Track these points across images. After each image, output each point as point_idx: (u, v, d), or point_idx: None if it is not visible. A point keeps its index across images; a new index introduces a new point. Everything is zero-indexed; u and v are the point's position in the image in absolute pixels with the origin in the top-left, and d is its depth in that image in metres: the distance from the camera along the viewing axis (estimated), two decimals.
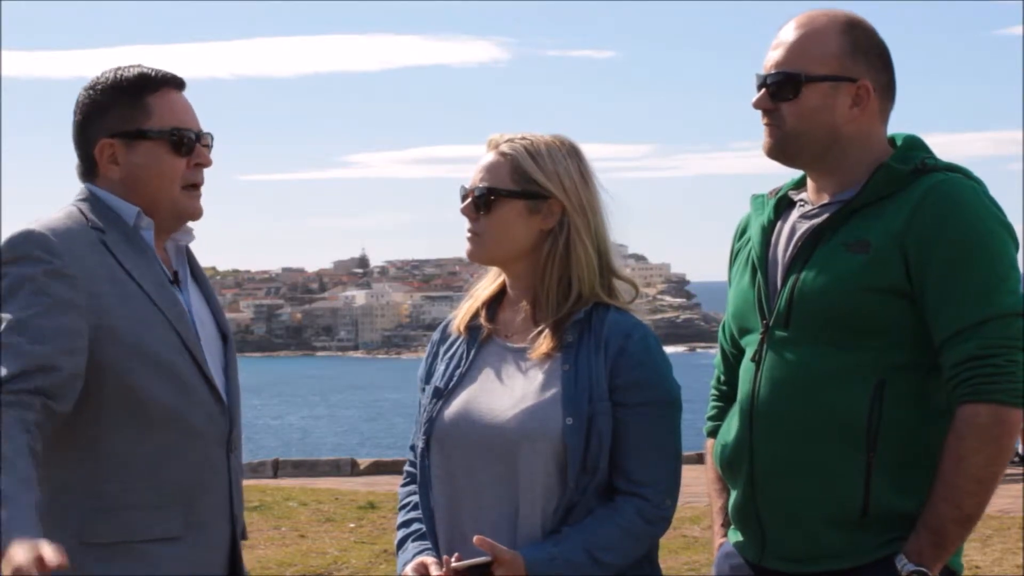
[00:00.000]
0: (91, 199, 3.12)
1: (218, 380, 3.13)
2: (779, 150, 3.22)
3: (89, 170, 3.16)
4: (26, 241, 2.97)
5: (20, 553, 2.51)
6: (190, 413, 3.05)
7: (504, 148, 3.25)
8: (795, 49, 3.19)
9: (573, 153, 3.27)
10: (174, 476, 3.02)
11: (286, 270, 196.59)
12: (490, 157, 3.27)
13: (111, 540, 2.96)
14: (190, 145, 3.14)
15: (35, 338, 2.86)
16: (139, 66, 3.16)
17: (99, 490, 2.97)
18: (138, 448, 2.98)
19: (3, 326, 2.87)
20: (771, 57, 3.22)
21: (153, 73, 3.14)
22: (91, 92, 3.14)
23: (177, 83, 3.17)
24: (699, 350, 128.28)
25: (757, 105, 3.22)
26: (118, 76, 3.13)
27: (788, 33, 3.22)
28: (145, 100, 3.12)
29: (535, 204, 3.22)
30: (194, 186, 3.17)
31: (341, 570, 9.30)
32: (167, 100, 3.14)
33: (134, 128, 3.11)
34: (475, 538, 3.05)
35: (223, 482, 3.13)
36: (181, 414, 3.03)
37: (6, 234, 3.02)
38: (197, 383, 3.07)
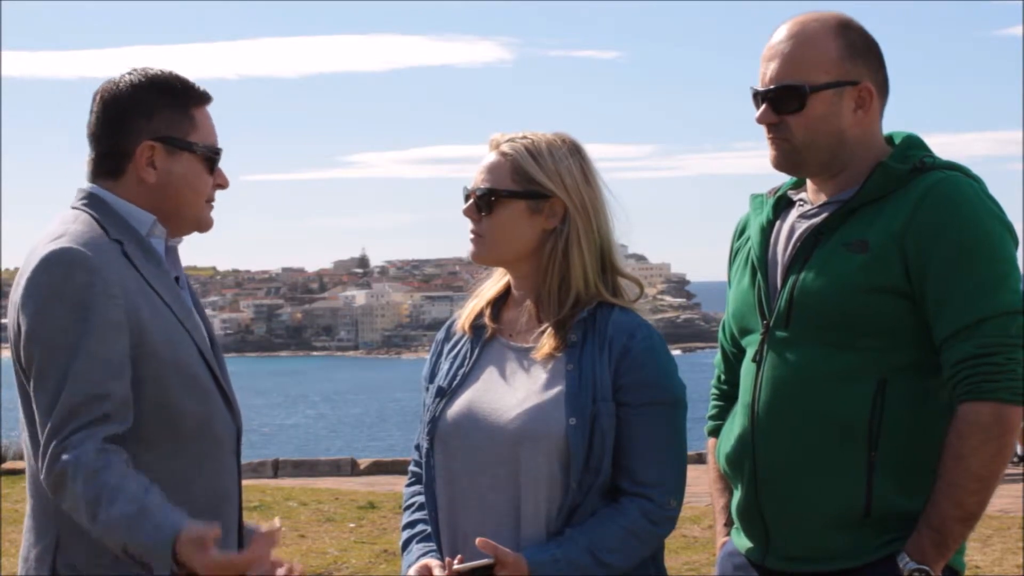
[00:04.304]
0: (98, 205, 3.04)
1: (225, 386, 3.12)
2: (789, 163, 3.19)
3: (116, 167, 3.06)
4: (66, 261, 2.89)
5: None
6: (213, 423, 3.05)
7: (505, 148, 3.22)
8: (793, 59, 3.14)
9: (575, 151, 3.23)
10: (205, 486, 3.02)
11: (286, 270, 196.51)
12: (491, 157, 3.24)
13: None
14: (216, 166, 3.12)
15: (88, 366, 2.82)
16: (175, 73, 3.09)
17: None
18: (173, 461, 2.97)
19: (56, 353, 2.84)
20: (768, 70, 3.17)
21: (197, 86, 3.10)
22: (135, 89, 3.05)
23: (210, 99, 3.13)
24: (700, 351, 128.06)
25: (761, 120, 3.17)
26: (163, 80, 3.06)
27: (781, 44, 3.17)
28: (191, 112, 3.08)
29: (536, 204, 3.20)
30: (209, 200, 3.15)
31: (341, 570, 9.30)
32: (207, 117, 3.11)
33: (182, 137, 3.06)
34: (477, 540, 3.04)
35: (236, 488, 3.14)
36: (207, 425, 3.03)
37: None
38: (214, 392, 3.06)
